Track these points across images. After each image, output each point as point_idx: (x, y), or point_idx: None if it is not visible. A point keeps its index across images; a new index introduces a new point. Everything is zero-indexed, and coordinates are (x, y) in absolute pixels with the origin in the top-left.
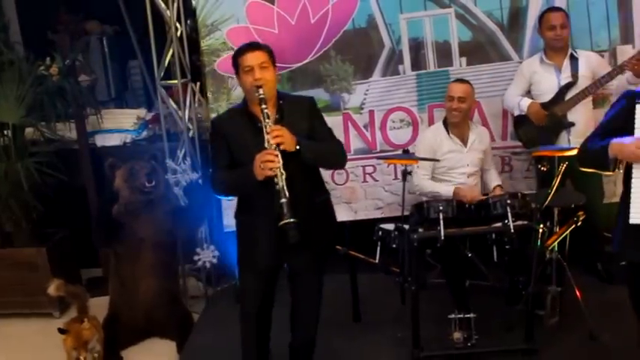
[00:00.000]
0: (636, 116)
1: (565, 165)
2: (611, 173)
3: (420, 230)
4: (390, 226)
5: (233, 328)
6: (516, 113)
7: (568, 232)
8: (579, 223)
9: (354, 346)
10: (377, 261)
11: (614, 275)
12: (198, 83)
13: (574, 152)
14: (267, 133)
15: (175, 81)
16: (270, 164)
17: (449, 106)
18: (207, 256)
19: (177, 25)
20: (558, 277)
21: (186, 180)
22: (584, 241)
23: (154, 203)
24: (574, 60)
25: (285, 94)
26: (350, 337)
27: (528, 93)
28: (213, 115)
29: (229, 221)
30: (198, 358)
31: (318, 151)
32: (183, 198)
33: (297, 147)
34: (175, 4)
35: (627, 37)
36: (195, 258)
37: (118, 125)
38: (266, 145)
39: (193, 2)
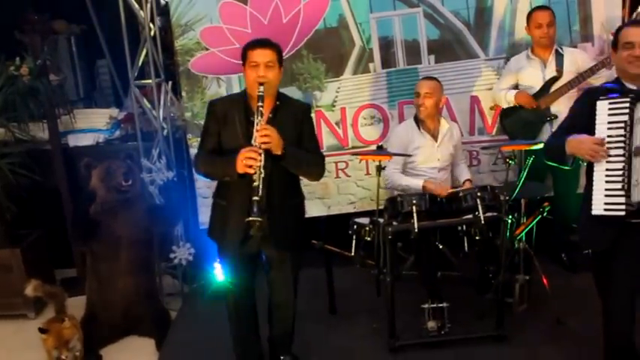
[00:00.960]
0: (597, 113)
1: (532, 158)
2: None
3: (395, 223)
4: (365, 220)
5: (211, 324)
6: (504, 106)
7: (534, 222)
8: (545, 214)
9: (330, 338)
10: (352, 254)
11: (577, 264)
12: (170, 82)
13: (540, 146)
14: (257, 131)
15: (150, 80)
16: (251, 162)
17: (416, 102)
18: (183, 253)
19: (151, 25)
20: (526, 266)
21: (161, 179)
22: (549, 232)
23: (131, 202)
24: (559, 56)
25: (284, 96)
26: (326, 328)
27: (516, 88)
28: (188, 115)
29: (205, 218)
30: (177, 355)
31: (300, 160)
32: (159, 197)
33: (282, 151)
34: (149, 5)
35: (587, 36)
36: (172, 256)
37: (91, 125)
38: (253, 142)
39: (163, 2)
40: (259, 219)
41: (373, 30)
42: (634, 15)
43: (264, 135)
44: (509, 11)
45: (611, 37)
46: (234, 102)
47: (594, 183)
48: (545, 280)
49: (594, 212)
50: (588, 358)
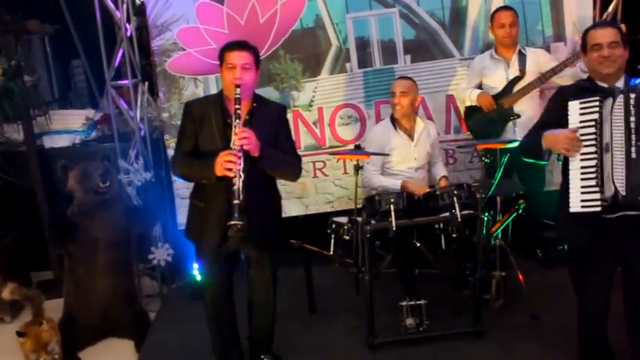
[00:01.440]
0: (569, 114)
1: (507, 157)
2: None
3: (373, 222)
4: (343, 219)
5: (190, 324)
6: (467, 104)
7: (510, 219)
8: (520, 211)
9: (310, 336)
10: (331, 253)
11: (552, 260)
12: (146, 83)
13: (516, 144)
14: (235, 134)
15: (126, 81)
16: (231, 165)
17: (392, 101)
18: (161, 254)
19: (127, 25)
20: (502, 262)
21: (139, 179)
22: (524, 228)
23: (108, 203)
24: (522, 56)
25: (260, 97)
26: (306, 327)
27: (480, 87)
28: (165, 115)
29: (183, 219)
30: (157, 356)
31: (277, 162)
32: (136, 198)
33: (260, 153)
34: (125, 5)
35: (560, 36)
36: (150, 257)
37: (67, 126)
38: (232, 145)
39: (138, 2)
40: (240, 222)
41: (349, 30)
42: (604, 15)
43: (243, 138)
44: (483, 11)
45: None
46: (210, 103)
47: (570, 181)
48: (520, 276)
49: (572, 209)
50: (563, 352)
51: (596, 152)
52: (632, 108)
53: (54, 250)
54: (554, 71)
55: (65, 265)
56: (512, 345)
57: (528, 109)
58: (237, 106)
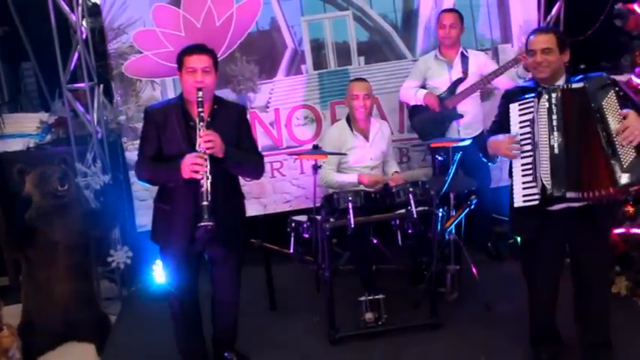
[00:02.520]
0: (510, 115)
1: (460, 154)
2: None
3: (332, 220)
4: (303, 218)
5: (152, 326)
6: (412, 103)
7: (463, 215)
8: (472, 207)
9: (272, 333)
10: (291, 251)
11: (502, 253)
12: (101, 86)
13: (467, 142)
14: (200, 137)
15: (83, 84)
16: (198, 167)
17: (356, 104)
18: (121, 257)
19: (83, 28)
20: (456, 256)
21: (97, 182)
22: (475, 223)
23: (67, 207)
24: (464, 58)
25: (220, 99)
26: (267, 324)
27: (423, 87)
28: (122, 118)
29: (142, 221)
30: (120, 358)
31: (241, 161)
32: (94, 201)
33: (224, 154)
34: (80, 8)
35: (507, 37)
36: (110, 259)
37: (20, 130)
38: (197, 148)
39: (90, 3)
40: (210, 223)
41: (304, 32)
42: (548, 18)
43: (208, 140)
44: (434, 14)
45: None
46: (171, 107)
47: (514, 178)
48: (474, 270)
49: (516, 205)
50: (516, 339)
51: (531, 150)
52: (554, 107)
53: (10, 255)
54: (496, 74)
55: (23, 270)
56: (468, 335)
57: (471, 110)
58: (201, 109)
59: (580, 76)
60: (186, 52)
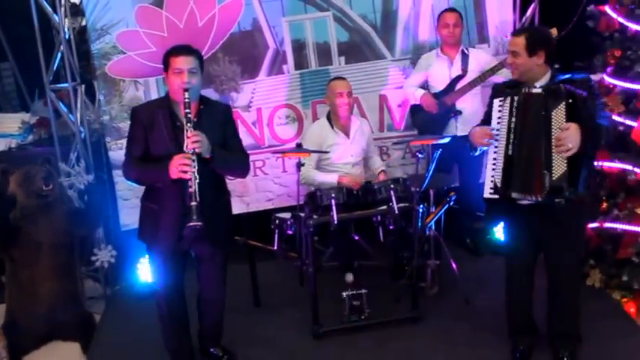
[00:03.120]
0: (493, 109)
1: (439, 151)
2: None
3: (315, 217)
4: (286, 215)
5: (137, 324)
6: (412, 102)
7: (442, 211)
8: (451, 203)
9: (256, 329)
10: (275, 248)
11: (480, 248)
12: (83, 86)
13: (446, 140)
14: (188, 137)
15: (66, 84)
16: (186, 168)
17: (340, 101)
18: (105, 255)
19: (66, 29)
20: (436, 252)
21: (80, 182)
22: (455, 220)
23: (51, 206)
24: (465, 56)
25: (206, 99)
26: (252, 320)
27: (425, 83)
28: (106, 118)
29: (126, 220)
30: (106, 357)
31: (228, 160)
32: (78, 200)
33: (211, 154)
34: (62, 9)
35: (484, 38)
36: (94, 258)
37: (2, 130)
38: (184, 148)
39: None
40: (199, 223)
41: (286, 33)
42: (523, 18)
43: (196, 141)
44: (412, 14)
45: (505, 39)
46: (158, 108)
47: (486, 171)
48: (453, 265)
49: (485, 196)
50: (494, 331)
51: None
52: (514, 109)
53: None
54: (493, 71)
55: (7, 270)
56: (448, 328)
57: (470, 106)
58: (188, 110)
59: (565, 76)
60: (172, 52)
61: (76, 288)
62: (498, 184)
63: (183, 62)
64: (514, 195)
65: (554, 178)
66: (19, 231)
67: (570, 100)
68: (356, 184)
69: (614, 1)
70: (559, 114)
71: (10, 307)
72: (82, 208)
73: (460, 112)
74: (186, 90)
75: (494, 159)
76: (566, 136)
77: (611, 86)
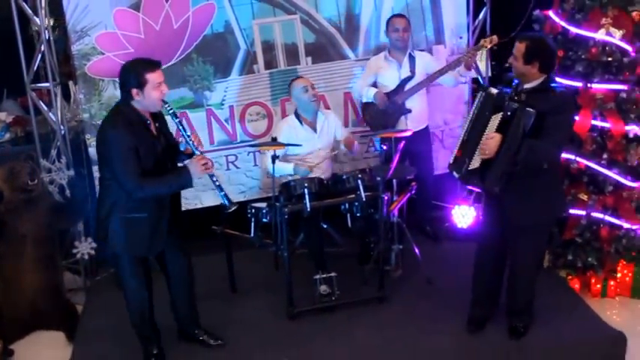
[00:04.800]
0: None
1: (402, 144)
2: None
3: (289, 205)
4: (262, 205)
5: (120, 312)
6: (364, 100)
7: (405, 199)
8: (413, 192)
9: (234, 312)
10: (251, 235)
11: (439, 234)
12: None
13: (408, 133)
14: (192, 141)
15: (47, 84)
16: (209, 164)
17: (310, 95)
18: (85, 248)
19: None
20: (400, 237)
21: (61, 178)
22: (416, 208)
23: (35, 200)
24: (412, 58)
25: None
26: (229, 305)
27: (375, 84)
28: (86, 116)
29: None
30: (92, 342)
31: None
32: (58, 195)
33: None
34: (43, 11)
35: (440, 39)
36: (74, 251)
37: None
38: (196, 152)
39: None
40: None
41: (256, 35)
42: (476, 22)
43: (198, 140)
44: (374, 18)
45: (459, 40)
46: (131, 125)
47: None
48: (416, 249)
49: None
50: (453, 308)
51: None
52: (478, 102)
53: None
54: (441, 72)
55: None
56: (412, 306)
57: (418, 105)
58: (178, 119)
59: (558, 86)
60: (148, 69)
61: (59, 279)
62: (450, 162)
63: (159, 75)
64: (455, 175)
65: (469, 168)
66: (4, 225)
67: (508, 113)
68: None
69: (557, 7)
70: (494, 121)
71: None
72: (65, 202)
73: (409, 111)
74: (165, 101)
75: (458, 141)
76: (487, 144)
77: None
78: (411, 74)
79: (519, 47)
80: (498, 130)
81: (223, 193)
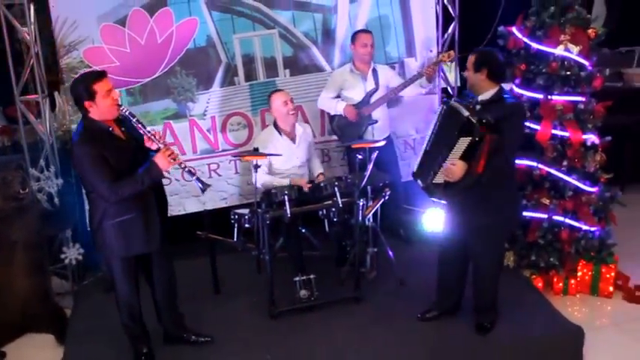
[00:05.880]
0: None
1: (376, 153)
2: None
3: (271, 211)
4: (245, 211)
5: (108, 313)
6: (332, 113)
7: (379, 204)
8: (386, 197)
9: (218, 314)
10: (235, 239)
11: (412, 237)
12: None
13: (382, 143)
14: (154, 135)
15: (36, 96)
16: (173, 155)
17: (288, 109)
18: (73, 253)
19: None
20: (374, 240)
21: (50, 186)
22: (388, 213)
23: (25, 208)
24: (375, 72)
25: None
26: (212, 306)
27: (338, 96)
28: (74, 126)
29: None
30: (83, 342)
31: None
32: (47, 203)
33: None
34: (32, 26)
35: (411, 52)
36: (62, 256)
37: None
38: (161, 146)
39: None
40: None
41: (237, 48)
42: (445, 35)
43: (159, 135)
44: (349, 32)
45: (430, 53)
46: (98, 136)
47: None
48: (390, 252)
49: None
50: (424, 306)
51: None
52: (440, 115)
53: None
54: (405, 85)
55: None
56: (386, 305)
57: (382, 115)
58: (135, 118)
59: (509, 97)
60: (94, 80)
61: (47, 284)
62: (414, 170)
63: (107, 83)
64: (418, 181)
65: (433, 182)
66: None
67: (477, 139)
68: (305, 184)
69: (520, 23)
70: (462, 144)
71: None
72: (53, 209)
73: (376, 121)
74: (120, 105)
75: (421, 151)
76: (451, 170)
77: (519, 95)
78: (375, 87)
79: (470, 59)
80: (466, 152)
81: (196, 177)
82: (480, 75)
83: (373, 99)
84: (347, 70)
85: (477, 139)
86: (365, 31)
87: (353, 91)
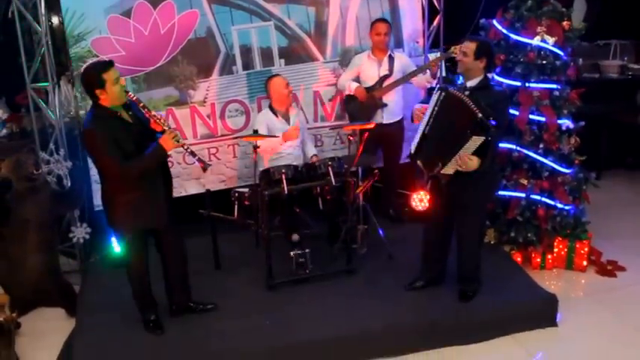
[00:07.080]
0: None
1: (366, 134)
2: None
3: (270, 189)
4: (244, 189)
5: (115, 288)
6: (346, 93)
7: (369, 184)
8: (376, 178)
9: (219, 286)
10: (235, 217)
11: (400, 217)
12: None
13: (372, 126)
14: (159, 119)
15: (47, 83)
16: (178, 136)
17: (289, 91)
18: (80, 232)
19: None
20: (365, 218)
21: (59, 169)
22: (380, 194)
23: (37, 188)
24: (391, 59)
25: None
26: (214, 280)
27: (358, 79)
28: (82, 112)
29: (99, 201)
30: (95, 311)
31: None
32: (56, 185)
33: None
34: (43, 18)
35: (399, 43)
36: (71, 235)
37: None
38: (166, 128)
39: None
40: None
41: (235, 39)
42: (430, 28)
43: (163, 118)
44: (340, 24)
45: (416, 44)
46: (105, 120)
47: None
48: (379, 229)
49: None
50: (411, 278)
51: None
52: (439, 101)
53: None
54: (415, 73)
55: None
56: (376, 278)
57: (393, 100)
58: (142, 104)
59: (496, 85)
60: (103, 70)
61: (57, 261)
62: (412, 152)
63: (115, 72)
64: (418, 162)
65: (441, 172)
66: (9, 211)
67: (489, 138)
68: (295, 133)
69: (500, 16)
70: (475, 142)
71: (1, 279)
72: (64, 190)
73: (386, 105)
74: (127, 91)
75: (418, 133)
76: (467, 163)
77: (500, 83)
78: (388, 72)
79: (470, 45)
80: (478, 148)
81: (197, 157)
82: (479, 62)
83: (385, 84)
84: (365, 55)
85: (489, 138)
86: (381, 20)
87: (368, 75)
